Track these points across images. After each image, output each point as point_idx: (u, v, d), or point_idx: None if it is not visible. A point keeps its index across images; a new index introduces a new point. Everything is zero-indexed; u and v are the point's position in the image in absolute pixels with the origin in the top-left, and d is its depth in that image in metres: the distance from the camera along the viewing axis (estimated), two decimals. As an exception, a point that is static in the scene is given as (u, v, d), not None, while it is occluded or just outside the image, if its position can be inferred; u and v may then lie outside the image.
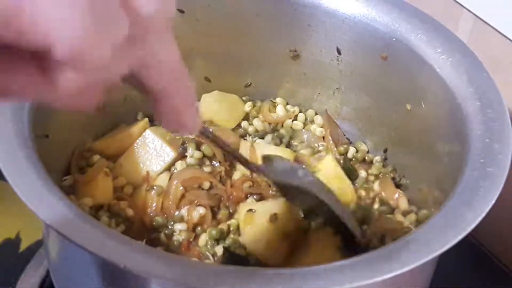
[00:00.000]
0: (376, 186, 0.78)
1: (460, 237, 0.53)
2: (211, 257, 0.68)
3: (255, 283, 0.49)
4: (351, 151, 0.81)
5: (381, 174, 0.79)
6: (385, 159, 0.81)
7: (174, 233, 0.70)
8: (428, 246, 0.53)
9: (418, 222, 0.72)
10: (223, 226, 0.71)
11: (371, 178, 0.79)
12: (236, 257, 0.67)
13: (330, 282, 0.50)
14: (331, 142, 0.82)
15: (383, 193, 0.77)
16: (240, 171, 0.76)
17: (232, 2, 0.79)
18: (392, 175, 0.78)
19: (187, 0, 0.78)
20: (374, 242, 0.71)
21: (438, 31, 0.72)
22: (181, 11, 0.78)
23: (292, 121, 0.84)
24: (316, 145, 0.82)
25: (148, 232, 0.70)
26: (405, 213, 0.74)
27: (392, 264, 0.51)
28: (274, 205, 0.68)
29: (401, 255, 0.52)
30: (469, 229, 0.54)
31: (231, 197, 0.74)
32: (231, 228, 0.70)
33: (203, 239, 0.69)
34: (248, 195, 0.74)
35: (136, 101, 0.80)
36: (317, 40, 0.80)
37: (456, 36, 0.72)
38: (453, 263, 0.70)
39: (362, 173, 0.79)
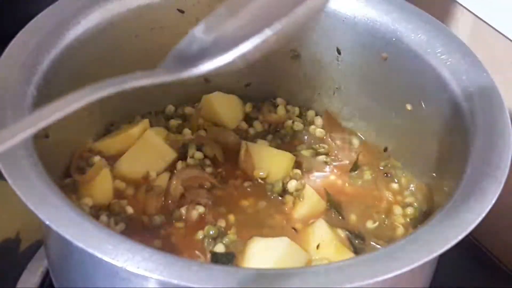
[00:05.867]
0: (373, 185, 0.78)
1: (460, 237, 0.53)
2: (202, 257, 0.68)
3: (255, 283, 0.50)
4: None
5: (380, 173, 0.79)
6: (385, 158, 0.81)
7: (173, 232, 0.70)
8: (428, 246, 0.53)
9: (415, 218, 0.72)
10: (222, 224, 0.71)
11: (369, 177, 0.78)
12: (223, 257, 0.68)
13: (330, 282, 0.50)
14: (331, 142, 0.82)
15: (380, 192, 0.77)
16: (240, 171, 0.76)
17: (232, 2, 0.79)
18: (391, 174, 0.78)
19: (187, 0, 0.78)
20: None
21: (438, 31, 0.72)
22: (181, 11, 0.78)
23: (293, 122, 0.84)
24: (317, 146, 0.82)
25: (147, 231, 0.70)
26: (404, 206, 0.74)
27: (392, 264, 0.51)
28: (279, 245, 0.67)
29: (401, 255, 0.52)
30: (469, 229, 0.54)
31: (230, 196, 0.74)
32: (231, 228, 0.71)
33: (201, 237, 0.69)
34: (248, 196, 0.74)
35: (135, 102, 0.80)
36: (317, 40, 0.80)
37: (456, 36, 0.72)
38: (453, 263, 0.70)
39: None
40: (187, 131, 0.80)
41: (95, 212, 0.70)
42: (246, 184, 0.75)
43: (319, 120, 0.84)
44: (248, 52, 0.50)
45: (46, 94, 0.63)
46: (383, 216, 0.74)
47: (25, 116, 0.60)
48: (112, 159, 0.76)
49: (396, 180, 0.78)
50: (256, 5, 0.52)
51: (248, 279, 0.50)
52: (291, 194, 0.74)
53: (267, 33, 0.50)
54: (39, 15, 0.69)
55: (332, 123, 0.83)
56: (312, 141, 0.82)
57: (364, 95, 0.80)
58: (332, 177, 0.78)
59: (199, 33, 0.52)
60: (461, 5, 0.84)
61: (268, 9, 0.52)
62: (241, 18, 0.52)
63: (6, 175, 0.54)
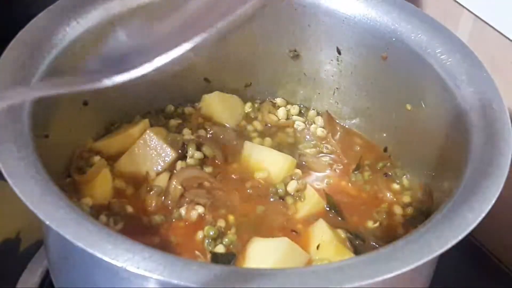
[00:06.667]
0: (374, 185, 0.78)
1: (460, 237, 0.53)
2: (202, 257, 0.68)
3: (255, 283, 0.49)
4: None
5: (380, 173, 0.79)
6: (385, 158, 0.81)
7: (173, 232, 0.70)
8: (428, 246, 0.53)
9: (415, 218, 0.72)
10: (221, 225, 0.71)
11: (369, 177, 0.78)
12: (223, 258, 0.68)
13: (330, 282, 0.50)
14: (332, 142, 0.82)
15: (380, 192, 0.77)
16: (240, 172, 0.76)
17: (232, 2, 0.79)
18: (391, 174, 0.78)
19: (187, 0, 0.78)
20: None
21: (438, 31, 0.72)
22: (181, 11, 0.78)
23: (293, 121, 0.84)
24: (318, 146, 0.82)
25: (147, 231, 0.70)
26: (404, 206, 0.75)
27: (392, 264, 0.51)
28: (279, 245, 0.67)
29: (401, 255, 0.52)
30: (469, 229, 0.54)
31: (230, 196, 0.74)
32: (231, 228, 0.71)
33: (200, 237, 0.70)
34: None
35: (135, 102, 0.80)
36: (317, 40, 0.80)
37: (456, 36, 0.72)
38: (453, 263, 0.70)
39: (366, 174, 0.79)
40: (187, 131, 0.80)
41: (95, 212, 0.70)
42: (246, 184, 0.75)
43: (319, 120, 0.84)
44: (163, 66, 0.47)
45: (46, 94, 0.63)
46: (383, 216, 0.74)
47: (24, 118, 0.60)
48: (112, 159, 0.76)
49: (396, 180, 0.78)
50: (188, 12, 0.50)
51: (248, 279, 0.50)
52: (292, 195, 0.74)
53: (185, 47, 0.47)
54: (39, 15, 0.69)
55: (332, 123, 0.83)
56: (313, 141, 0.82)
57: (364, 95, 0.80)
58: (333, 177, 0.78)
59: (123, 36, 0.49)
60: (461, 5, 0.84)
61: (197, 19, 0.49)
62: (169, 25, 0.49)
63: (6, 175, 0.54)
